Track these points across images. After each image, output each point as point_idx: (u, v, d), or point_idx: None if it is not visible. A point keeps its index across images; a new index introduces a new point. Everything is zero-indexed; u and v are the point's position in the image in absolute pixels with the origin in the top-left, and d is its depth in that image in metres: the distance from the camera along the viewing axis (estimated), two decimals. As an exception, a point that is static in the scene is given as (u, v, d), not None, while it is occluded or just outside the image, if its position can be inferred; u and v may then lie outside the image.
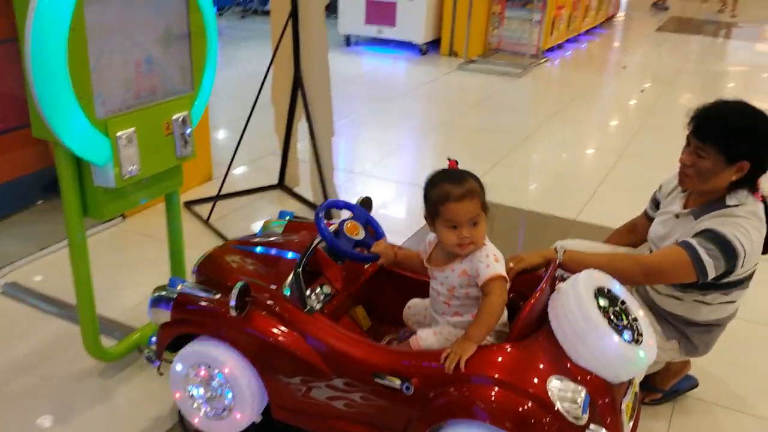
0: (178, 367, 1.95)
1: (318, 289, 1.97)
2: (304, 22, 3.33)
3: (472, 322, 1.71)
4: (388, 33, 7.71)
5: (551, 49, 8.03)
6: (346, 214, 2.09)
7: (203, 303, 1.91)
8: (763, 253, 1.99)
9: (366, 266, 2.14)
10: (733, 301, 2.04)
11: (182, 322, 1.95)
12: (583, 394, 1.54)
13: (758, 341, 2.65)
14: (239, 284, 1.76)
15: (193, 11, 2.15)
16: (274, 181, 3.95)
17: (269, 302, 1.84)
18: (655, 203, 2.25)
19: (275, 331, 1.80)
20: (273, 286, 1.91)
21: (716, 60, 8.68)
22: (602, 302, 1.66)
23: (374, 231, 2.08)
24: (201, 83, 2.26)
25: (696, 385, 2.29)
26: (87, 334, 2.20)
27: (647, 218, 2.27)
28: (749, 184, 1.94)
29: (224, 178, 3.52)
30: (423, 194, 1.78)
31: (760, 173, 1.93)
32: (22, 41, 1.72)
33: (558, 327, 1.66)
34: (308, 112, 3.44)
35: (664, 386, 2.25)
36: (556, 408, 1.53)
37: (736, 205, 1.93)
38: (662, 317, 2.09)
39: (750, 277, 2.01)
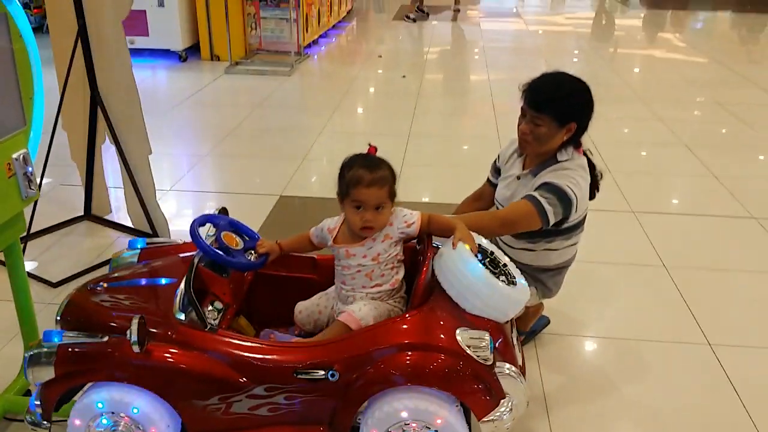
0: (77, 422, 1.82)
1: (209, 307, 1.94)
2: (97, 39, 3.12)
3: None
4: (141, 42, 7.34)
5: (308, 46, 8.28)
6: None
7: (91, 349, 1.79)
8: (590, 198, 2.38)
9: (245, 274, 2.15)
10: (574, 244, 2.40)
11: (69, 375, 1.81)
12: (487, 337, 1.76)
13: (587, 277, 3.08)
14: (136, 318, 1.68)
15: (16, 40, 1.95)
16: (78, 212, 3.65)
17: (166, 331, 1.78)
18: (496, 170, 2.54)
19: (182, 357, 1.76)
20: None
21: (452, 42, 9.63)
22: (478, 257, 1.89)
23: (249, 236, 2.10)
24: (32, 115, 2.06)
25: (548, 323, 2.67)
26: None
27: (491, 185, 2.55)
28: (574, 142, 2.29)
29: (31, 218, 3.16)
30: (339, 173, 1.91)
31: (583, 132, 2.28)
32: None
33: (449, 286, 1.86)
34: (114, 134, 3.24)
35: (525, 328, 2.58)
36: (467, 354, 1.73)
37: (566, 160, 2.26)
38: (520, 270, 2.39)
39: (583, 221, 2.38)
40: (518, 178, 2.37)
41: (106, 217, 3.63)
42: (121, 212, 3.63)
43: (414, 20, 10.08)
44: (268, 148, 4.89)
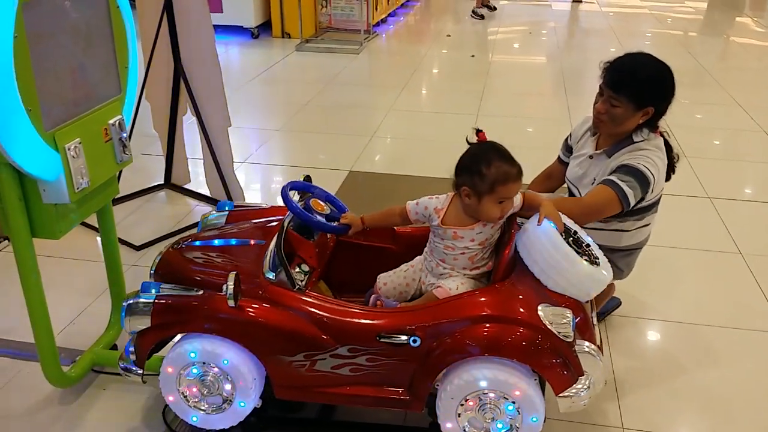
0: (169, 369, 1.91)
1: (296, 269, 2.01)
2: (182, 13, 3.22)
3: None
4: (215, 19, 7.41)
5: (377, 24, 8.30)
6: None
7: (187, 302, 1.88)
8: (666, 180, 2.34)
9: (329, 241, 2.22)
10: (646, 225, 2.37)
11: (164, 325, 1.90)
12: (569, 314, 1.77)
13: (660, 261, 3.05)
14: (233, 274, 1.76)
15: (114, 11, 2.05)
16: (158, 180, 3.80)
17: (256, 289, 1.86)
18: (568, 148, 2.52)
19: (271, 314, 1.83)
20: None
21: (522, 22, 9.48)
22: (562, 236, 1.88)
23: (337, 207, 2.19)
24: (127, 84, 2.17)
25: (620, 304, 2.65)
26: (48, 363, 2.08)
27: (561, 164, 2.54)
28: (650, 125, 2.25)
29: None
30: (469, 168, 1.86)
31: (660, 116, 2.24)
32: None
33: (533, 263, 1.85)
34: (196, 106, 3.36)
35: (596, 309, 2.57)
36: (549, 330, 1.74)
37: (642, 140, 2.23)
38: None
39: (658, 202, 2.35)
40: (591, 157, 2.35)
41: (185, 186, 3.77)
42: (199, 182, 3.76)
43: (482, 17, 9.58)
44: (337, 125, 4.96)
